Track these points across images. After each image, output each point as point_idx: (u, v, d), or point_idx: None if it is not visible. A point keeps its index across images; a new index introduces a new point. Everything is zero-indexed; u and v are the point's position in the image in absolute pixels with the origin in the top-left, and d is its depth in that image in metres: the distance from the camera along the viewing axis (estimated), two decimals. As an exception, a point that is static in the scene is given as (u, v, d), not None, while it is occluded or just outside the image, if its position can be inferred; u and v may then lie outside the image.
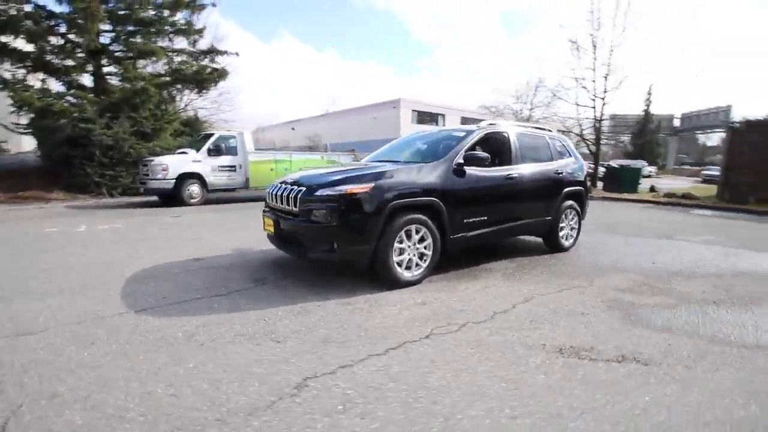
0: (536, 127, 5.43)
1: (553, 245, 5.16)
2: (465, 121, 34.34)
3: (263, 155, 11.61)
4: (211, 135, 10.78)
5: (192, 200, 10.11)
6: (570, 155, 5.44)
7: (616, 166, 19.52)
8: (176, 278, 3.75)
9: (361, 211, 3.26)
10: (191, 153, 10.32)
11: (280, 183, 3.86)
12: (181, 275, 3.85)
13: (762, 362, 2.35)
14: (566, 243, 5.26)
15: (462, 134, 4.32)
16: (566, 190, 5.10)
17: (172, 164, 9.85)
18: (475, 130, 4.35)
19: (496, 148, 4.45)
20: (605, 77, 17.50)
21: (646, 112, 41.90)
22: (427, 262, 3.69)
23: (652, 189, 18.73)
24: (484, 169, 4.12)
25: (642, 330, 2.78)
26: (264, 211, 4.05)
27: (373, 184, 3.35)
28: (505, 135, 4.62)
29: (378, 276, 3.54)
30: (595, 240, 6.09)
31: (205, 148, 10.39)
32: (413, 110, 30.57)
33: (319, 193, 3.33)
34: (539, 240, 5.38)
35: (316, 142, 23.32)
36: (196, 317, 2.84)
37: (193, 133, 16.19)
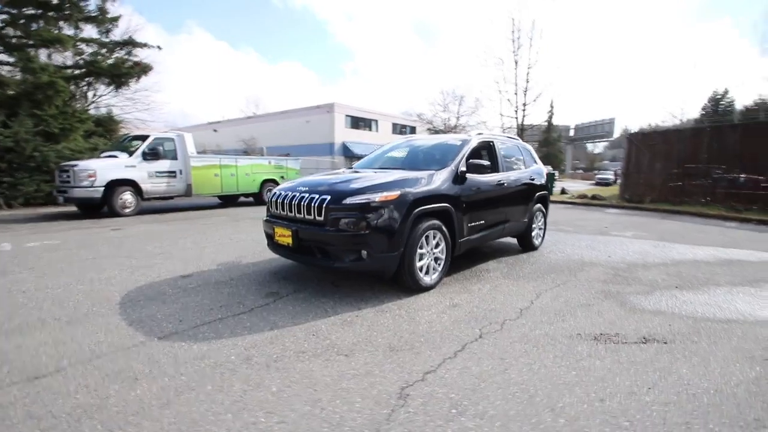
0: (508, 137, 5.91)
1: (527, 245, 5.67)
2: (396, 127, 35.39)
3: (207, 159, 10.76)
4: (146, 137, 9.69)
5: (125, 210, 8.99)
6: (535, 162, 6.03)
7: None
8: (177, 299, 3.39)
9: (392, 218, 3.30)
10: (122, 157, 9.17)
11: (289, 191, 3.70)
12: (180, 295, 3.49)
13: (741, 332, 2.92)
14: (537, 242, 5.82)
15: (459, 143, 4.57)
16: (537, 194, 5.65)
17: (100, 170, 8.66)
18: (469, 140, 4.63)
19: (485, 156, 4.78)
20: (524, 92, 19.50)
21: (549, 122, 47.34)
22: (441, 266, 3.84)
23: (563, 191, 21.28)
24: (480, 175, 4.40)
25: (641, 314, 3.25)
26: (270, 221, 3.85)
27: (400, 192, 3.41)
28: (491, 143, 4.98)
29: (399, 282, 3.60)
30: (550, 237, 6.80)
31: (139, 152, 9.32)
32: (347, 115, 30.64)
33: (348, 201, 3.29)
34: (511, 240, 5.87)
35: (251, 145, 22.11)
36: (237, 338, 2.63)
37: (105, 134, 14.39)
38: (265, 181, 12.27)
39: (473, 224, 4.24)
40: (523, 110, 19.71)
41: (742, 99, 44.70)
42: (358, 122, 31.72)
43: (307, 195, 3.50)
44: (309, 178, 4.25)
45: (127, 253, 5.12)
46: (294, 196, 3.60)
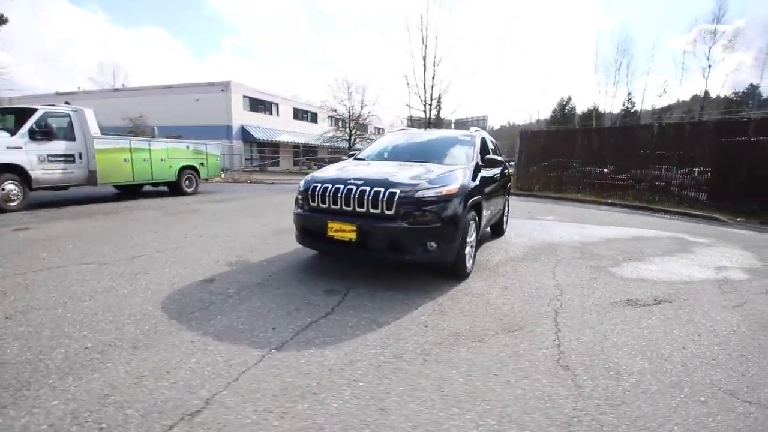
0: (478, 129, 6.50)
1: (499, 231, 6.39)
2: (297, 112, 34.06)
3: (114, 142, 8.92)
4: (32, 111, 7.59)
5: (9, 204, 7.00)
6: (500, 155, 6.78)
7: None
8: (233, 306, 3.03)
9: (456, 210, 3.49)
10: (2, 136, 7.06)
11: (339, 184, 3.55)
12: (230, 302, 3.11)
13: (701, 289, 3.98)
14: (506, 228, 6.61)
15: (468, 138, 4.94)
16: (508, 184, 6.41)
17: (-32, 152, 6.54)
18: (474, 136, 5.03)
19: (485, 151, 5.25)
20: (431, 87, 20.93)
21: (438, 116, 51.40)
22: (473, 254, 4.18)
23: None
24: (485, 169, 4.85)
25: (632, 282, 4.13)
26: (316, 215, 3.62)
27: (459, 185, 3.61)
28: (483, 139, 5.46)
29: (450, 270, 3.83)
30: (504, 223, 7.73)
31: (25, 130, 7.28)
32: (245, 96, 28.18)
33: (420, 194, 3.36)
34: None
35: (139, 124, 18.64)
36: (356, 339, 2.57)
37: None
38: (184, 168, 10.78)
39: (485, 213, 4.67)
40: (430, 105, 21.19)
41: (581, 105, 55.43)
42: (257, 105, 29.48)
43: (368, 188, 3.43)
44: (348, 170, 4.03)
45: (90, 259, 4.15)
46: (350, 189, 3.48)
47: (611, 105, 47.29)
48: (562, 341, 2.64)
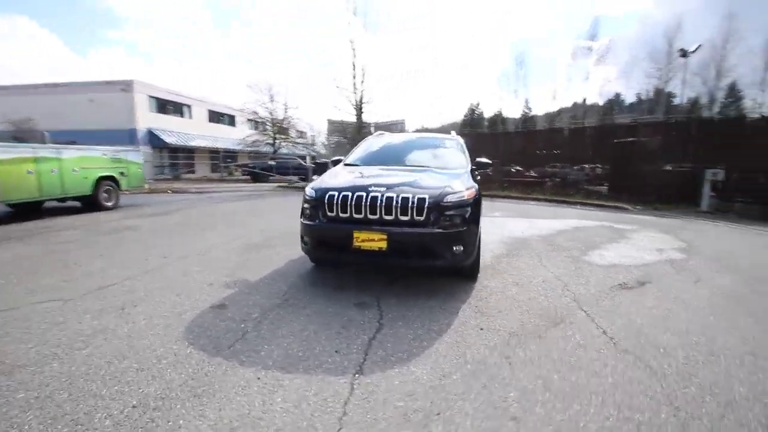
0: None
1: (469, 229, 6.71)
2: (213, 115, 31.53)
3: (14, 151, 7.32)
4: None
5: None
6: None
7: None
8: (271, 333, 2.75)
9: (476, 212, 3.59)
10: None
11: (361, 191, 3.40)
12: (267, 328, 2.81)
13: (670, 269, 4.66)
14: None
15: (454, 142, 5.12)
16: (476, 186, 6.74)
17: None
18: (457, 139, 5.23)
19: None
20: (361, 92, 21.08)
21: (359, 119, 51.93)
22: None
23: None
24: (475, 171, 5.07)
25: (610, 268, 4.67)
26: (338, 226, 3.42)
27: (475, 189, 3.71)
28: (462, 142, 5.69)
29: (463, 272, 3.92)
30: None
31: None
32: (152, 96, 25.14)
33: (448, 199, 3.37)
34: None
35: (24, 127, 15.32)
36: (420, 359, 2.50)
37: None
38: (101, 180, 9.28)
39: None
40: (360, 108, 21.32)
41: (487, 111, 60.57)
42: (166, 106, 26.48)
43: (394, 195, 3.35)
44: (359, 177, 3.89)
45: (45, 296, 3.37)
46: (375, 196, 3.36)
47: (513, 110, 52.55)
48: (605, 328, 2.88)
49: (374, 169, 4.31)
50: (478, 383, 2.13)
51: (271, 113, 29.01)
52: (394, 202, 3.32)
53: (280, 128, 29.91)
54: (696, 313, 3.22)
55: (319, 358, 2.38)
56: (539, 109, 51.71)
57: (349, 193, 3.45)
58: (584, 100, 49.63)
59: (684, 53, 23.28)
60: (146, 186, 11.32)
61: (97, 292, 3.48)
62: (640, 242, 6.29)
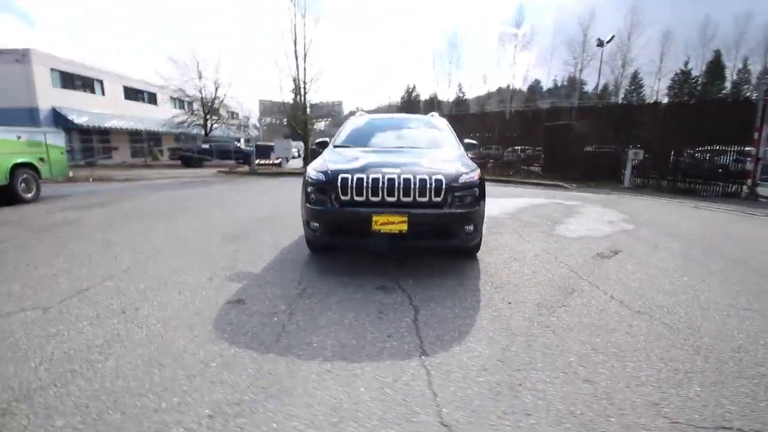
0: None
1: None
2: (129, 92, 28.08)
3: None
4: None
5: None
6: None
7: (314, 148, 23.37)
8: (310, 323, 2.65)
9: (482, 192, 3.71)
10: None
11: (377, 173, 3.33)
12: (303, 319, 2.70)
13: (629, 238, 5.25)
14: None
15: (441, 123, 5.19)
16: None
17: None
18: (443, 120, 5.31)
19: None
20: (304, 69, 20.20)
21: (295, 100, 49.83)
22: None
23: None
24: (460, 153, 5.21)
25: (581, 240, 5.15)
26: (357, 209, 3.32)
27: (478, 169, 3.83)
28: (447, 123, 5.74)
29: (468, 251, 4.08)
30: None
31: None
32: (54, 69, 21.52)
33: (462, 179, 3.44)
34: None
35: None
36: (471, 337, 2.60)
37: None
38: (17, 167, 7.90)
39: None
40: (304, 88, 20.46)
41: (423, 93, 61.66)
42: (73, 81, 22.83)
43: (410, 176, 3.34)
44: (364, 159, 3.77)
45: (16, 306, 2.85)
46: (392, 178, 3.32)
47: (447, 93, 54.16)
48: (611, 294, 3.21)
49: (373, 151, 4.23)
50: (537, 353, 2.27)
51: (200, 91, 26.66)
52: (412, 183, 3.31)
53: (211, 108, 27.69)
54: (671, 275, 3.70)
55: (375, 344, 2.35)
56: (471, 93, 53.93)
57: (364, 176, 3.37)
58: (508, 85, 52.59)
59: (600, 43, 25.65)
60: (70, 173, 9.87)
61: (80, 297, 3.03)
62: (591, 216, 6.98)
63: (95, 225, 5.81)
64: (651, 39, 45.08)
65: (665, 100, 40.62)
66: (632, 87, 48.08)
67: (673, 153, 12.80)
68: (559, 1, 72.75)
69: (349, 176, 3.39)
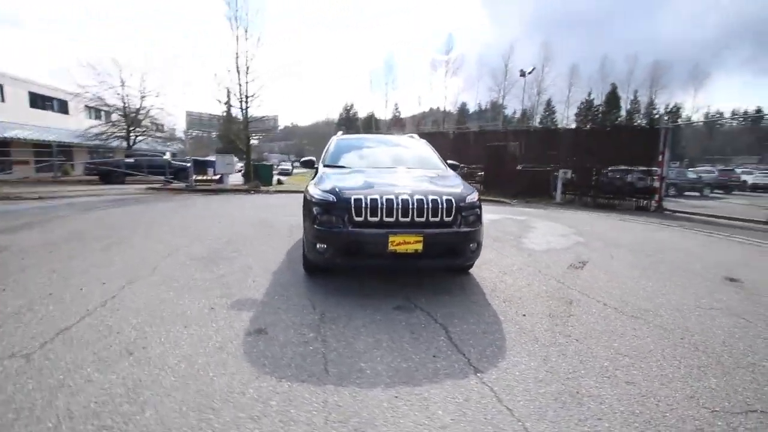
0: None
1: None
2: (36, 99, 24.65)
3: None
4: None
5: None
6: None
7: (257, 164, 22.55)
8: (348, 348, 2.59)
9: (481, 212, 3.93)
10: None
11: (390, 195, 3.39)
12: (340, 345, 2.62)
13: (587, 249, 5.85)
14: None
15: (423, 144, 5.40)
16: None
17: None
18: (423, 141, 5.51)
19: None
20: (246, 84, 19.52)
21: (228, 113, 47.55)
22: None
23: (279, 182, 23.35)
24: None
25: (551, 253, 5.63)
26: (374, 231, 3.32)
27: (476, 190, 4.05)
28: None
29: (466, 268, 4.25)
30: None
31: None
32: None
33: (467, 200, 3.62)
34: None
35: None
36: (527, 352, 2.74)
37: None
38: None
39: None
40: (247, 102, 19.70)
41: (361, 111, 62.71)
42: (-41, 84, 19.39)
43: (423, 197, 3.44)
44: (368, 179, 3.82)
45: (-14, 354, 2.36)
46: (407, 199, 3.39)
47: (384, 113, 55.80)
48: (603, 302, 3.56)
49: (372, 171, 4.25)
50: (575, 360, 2.46)
51: (123, 100, 24.34)
52: (425, 204, 3.41)
53: (135, 119, 25.40)
54: (638, 282, 4.21)
55: (426, 365, 2.36)
56: (407, 112, 56.13)
57: (377, 196, 3.40)
58: (438, 107, 55.61)
59: (523, 73, 28.46)
60: (-25, 192, 8.35)
61: (63, 338, 2.61)
62: (544, 230, 7.64)
63: (33, 251, 4.99)
64: (561, 72, 51.06)
65: (573, 125, 45.87)
66: (546, 113, 53.85)
67: (594, 172, 14.54)
68: (483, 35, 79.69)
69: (362, 197, 3.39)
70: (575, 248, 5.93)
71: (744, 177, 22.84)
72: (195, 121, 61.83)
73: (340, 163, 4.69)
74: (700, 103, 51.14)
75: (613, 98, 51.62)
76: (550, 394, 2.09)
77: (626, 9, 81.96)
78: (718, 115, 50.23)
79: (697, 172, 21.66)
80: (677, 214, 11.96)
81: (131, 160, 21.25)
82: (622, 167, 14.15)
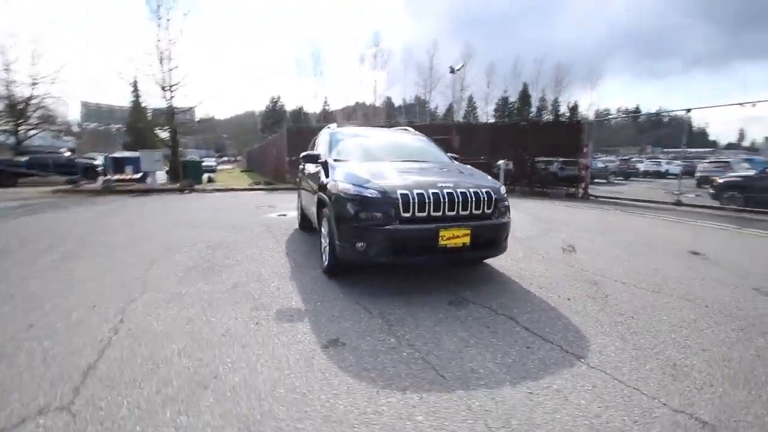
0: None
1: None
2: None
3: None
4: None
5: None
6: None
7: (186, 161, 20.51)
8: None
9: (509, 203, 4.03)
10: None
11: (435, 189, 3.31)
12: (432, 348, 2.50)
13: (559, 233, 6.34)
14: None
15: (422, 136, 5.36)
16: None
17: None
18: (419, 133, 5.50)
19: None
20: (170, 70, 17.57)
21: (136, 102, 42.13)
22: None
23: (210, 180, 21.60)
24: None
25: (535, 239, 6.00)
26: (424, 226, 3.22)
27: (497, 180, 4.14)
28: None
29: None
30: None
31: None
32: None
33: (501, 192, 3.68)
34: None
35: None
36: (596, 340, 2.88)
37: None
38: None
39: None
40: (171, 91, 17.67)
41: (289, 104, 60.33)
42: None
43: (465, 190, 3.42)
44: (417, 175, 3.69)
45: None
46: (452, 193, 3.34)
47: (313, 106, 54.42)
48: (622, 281, 3.89)
49: (395, 164, 4.09)
50: (647, 336, 2.65)
51: (7, 87, 20.32)
52: (469, 197, 3.40)
53: (23, 111, 21.44)
54: (630, 261, 4.68)
55: (528, 358, 2.37)
56: (337, 105, 55.46)
57: (423, 191, 3.30)
58: (365, 102, 55.97)
59: (452, 70, 29.72)
60: None
61: (96, 380, 2.10)
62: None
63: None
64: (480, 70, 54.53)
65: (492, 120, 49.28)
66: (469, 108, 57.15)
67: (530, 163, 15.82)
68: (407, 32, 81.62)
69: (408, 192, 3.26)
70: (551, 234, 6.39)
71: (638, 165, 26.79)
72: (92, 112, 54.35)
73: (348, 157, 4.43)
74: (594, 100, 58.40)
75: (525, 96, 56.59)
76: (655, 368, 2.23)
77: (530, 13, 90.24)
78: (605, 111, 57.91)
79: (603, 162, 24.81)
80: (601, 199, 13.52)
81: (25, 158, 17.91)
82: (553, 158, 15.63)
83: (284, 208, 9.24)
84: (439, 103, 55.92)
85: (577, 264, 4.50)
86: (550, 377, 2.15)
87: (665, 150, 47.75)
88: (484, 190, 3.50)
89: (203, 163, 39.00)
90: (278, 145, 20.23)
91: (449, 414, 1.83)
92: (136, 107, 40.83)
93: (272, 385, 2.05)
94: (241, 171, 39.44)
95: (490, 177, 4.10)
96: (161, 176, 20.36)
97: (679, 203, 11.19)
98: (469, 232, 3.34)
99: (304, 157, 4.70)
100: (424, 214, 3.28)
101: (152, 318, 2.90)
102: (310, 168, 5.09)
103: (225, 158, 63.53)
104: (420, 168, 4.05)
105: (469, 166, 4.56)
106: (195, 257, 4.66)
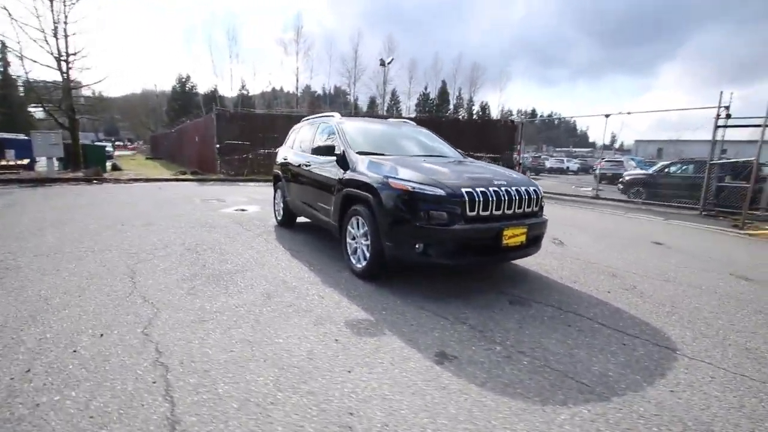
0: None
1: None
2: None
3: None
4: None
5: None
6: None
7: (87, 144, 17.38)
8: (557, 353, 2.43)
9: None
10: None
11: (495, 187, 3.23)
12: (557, 353, 2.43)
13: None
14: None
15: (426, 130, 5.19)
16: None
17: None
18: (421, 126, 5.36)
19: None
20: (66, 37, 14.59)
21: (4, 73, 34.05)
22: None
23: (115, 167, 18.75)
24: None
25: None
26: (488, 225, 3.12)
27: (522, 176, 4.21)
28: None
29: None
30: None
31: None
32: None
33: (541, 189, 3.74)
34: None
35: None
36: (666, 329, 3.06)
37: None
38: None
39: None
40: (67, 61, 14.60)
41: (202, 86, 54.53)
42: None
43: (519, 188, 3.40)
44: (467, 173, 3.54)
45: None
46: (508, 191, 3.29)
47: (230, 89, 50.18)
48: (634, 270, 4.25)
49: (420, 159, 3.94)
50: (709, 322, 2.92)
51: None
52: (523, 195, 3.39)
53: None
54: (620, 253, 5.16)
55: (634, 356, 2.42)
56: (255, 90, 52.02)
57: (485, 189, 3.20)
58: (285, 89, 53.59)
59: (383, 63, 29.85)
60: None
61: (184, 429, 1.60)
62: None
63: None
64: (403, 65, 55.62)
65: (414, 115, 50.86)
66: (392, 102, 58.11)
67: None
68: (330, 22, 79.52)
69: (472, 191, 3.12)
70: (528, 227, 6.77)
71: (546, 162, 30.07)
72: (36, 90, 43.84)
73: (370, 150, 4.08)
74: (502, 101, 63.77)
75: (443, 93, 59.44)
76: (737, 354, 2.46)
77: (446, 14, 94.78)
78: (509, 112, 63.71)
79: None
80: (533, 193, 14.82)
81: None
82: (489, 154, 16.70)
83: (237, 203, 8.38)
84: (361, 96, 55.82)
85: (584, 257, 4.80)
86: (672, 373, 2.23)
87: (557, 149, 54.37)
88: (532, 188, 3.52)
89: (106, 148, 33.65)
90: (202, 130, 18.21)
91: (632, 424, 1.77)
92: (6, 77, 33.12)
93: (429, 418, 1.77)
94: (147, 158, 35.00)
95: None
96: (50, 163, 16.99)
97: (597, 197, 12.80)
98: (526, 230, 3.34)
99: (317, 149, 4.24)
100: (488, 213, 3.18)
101: (197, 344, 2.33)
102: (314, 160, 4.61)
103: (119, 143, 55.67)
104: (457, 164, 3.93)
105: (484, 162, 4.56)
106: (184, 263, 3.92)
